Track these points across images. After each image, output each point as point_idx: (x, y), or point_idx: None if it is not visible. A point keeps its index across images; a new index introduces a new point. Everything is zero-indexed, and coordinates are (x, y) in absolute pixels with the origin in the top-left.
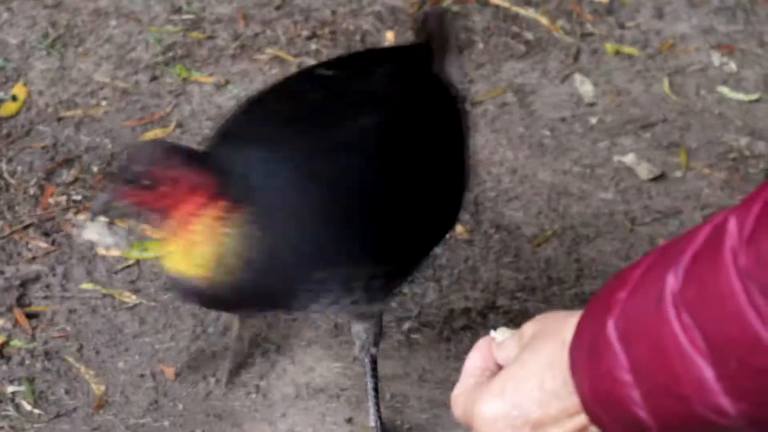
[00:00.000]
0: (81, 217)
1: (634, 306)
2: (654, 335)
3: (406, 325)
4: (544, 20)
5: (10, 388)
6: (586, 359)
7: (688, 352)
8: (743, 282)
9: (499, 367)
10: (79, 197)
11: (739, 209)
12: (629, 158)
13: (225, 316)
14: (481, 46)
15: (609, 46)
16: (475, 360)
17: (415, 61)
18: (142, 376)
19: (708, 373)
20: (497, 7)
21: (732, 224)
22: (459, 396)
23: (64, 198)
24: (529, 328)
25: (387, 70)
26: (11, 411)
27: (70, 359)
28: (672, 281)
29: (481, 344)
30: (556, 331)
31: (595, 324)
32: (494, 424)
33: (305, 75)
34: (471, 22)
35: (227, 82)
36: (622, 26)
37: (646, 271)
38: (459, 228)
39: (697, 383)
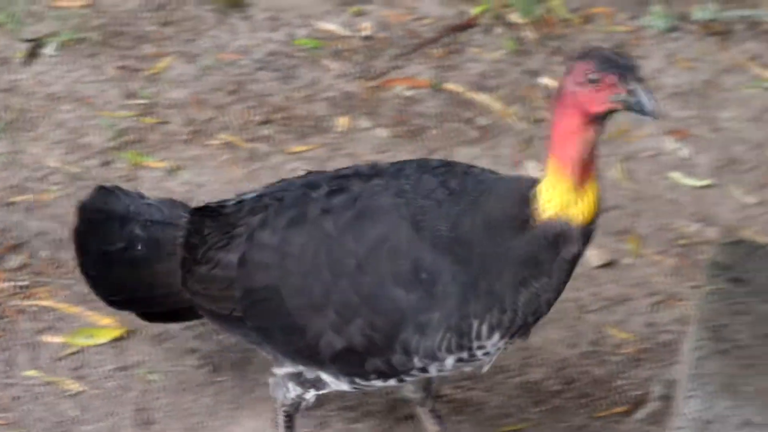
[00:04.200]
0: None
1: None
2: None
3: (348, 415)
4: (497, 106)
5: None
6: None
7: None
8: None
9: None
10: (26, 283)
11: None
12: None
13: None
14: (434, 131)
15: None
16: None
17: None
18: None
19: None
20: (451, 92)
21: None
22: None
23: (10, 284)
24: None
25: None
26: None
27: None
28: None
29: None
30: None
31: None
32: None
33: None
34: (424, 107)
35: (179, 168)
36: None
37: None
38: None
39: None
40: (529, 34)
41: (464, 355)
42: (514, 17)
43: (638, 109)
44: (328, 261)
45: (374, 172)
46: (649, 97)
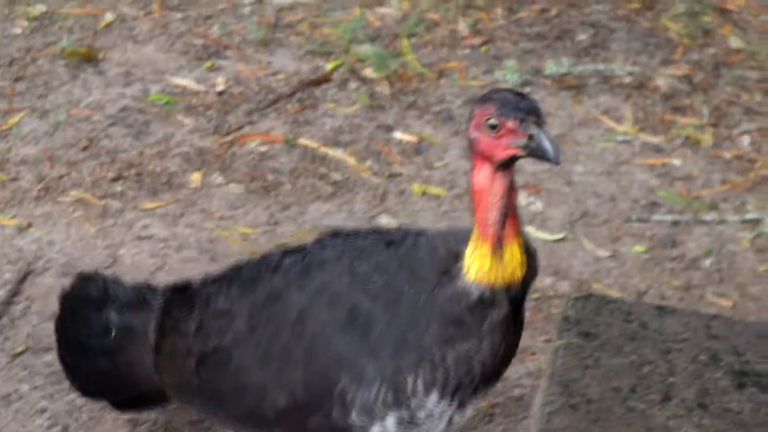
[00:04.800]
0: None
1: None
2: None
3: None
4: (351, 161)
5: None
6: None
7: None
8: None
9: None
10: None
11: None
12: None
13: None
14: (288, 187)
15: (416, 187)
16: None
17: None
18: None
19: None
20: (305, 147)
21: None
22: None
23: None
24: None
25: None
26: None
27: None
28: None
29: None
30: None
31: None
32: None
33: None
34: (278, 163)
35: (29, 225)
36: (430, 167)
37: None
38: None
39: None
40: (384, 89)
41: (404, 414)
42: (369, 72)
43: (540, 155)
44: (272, 314)
45: (330, 234)
46: (551, 143)
